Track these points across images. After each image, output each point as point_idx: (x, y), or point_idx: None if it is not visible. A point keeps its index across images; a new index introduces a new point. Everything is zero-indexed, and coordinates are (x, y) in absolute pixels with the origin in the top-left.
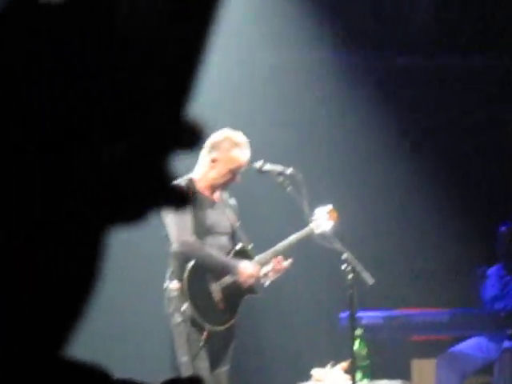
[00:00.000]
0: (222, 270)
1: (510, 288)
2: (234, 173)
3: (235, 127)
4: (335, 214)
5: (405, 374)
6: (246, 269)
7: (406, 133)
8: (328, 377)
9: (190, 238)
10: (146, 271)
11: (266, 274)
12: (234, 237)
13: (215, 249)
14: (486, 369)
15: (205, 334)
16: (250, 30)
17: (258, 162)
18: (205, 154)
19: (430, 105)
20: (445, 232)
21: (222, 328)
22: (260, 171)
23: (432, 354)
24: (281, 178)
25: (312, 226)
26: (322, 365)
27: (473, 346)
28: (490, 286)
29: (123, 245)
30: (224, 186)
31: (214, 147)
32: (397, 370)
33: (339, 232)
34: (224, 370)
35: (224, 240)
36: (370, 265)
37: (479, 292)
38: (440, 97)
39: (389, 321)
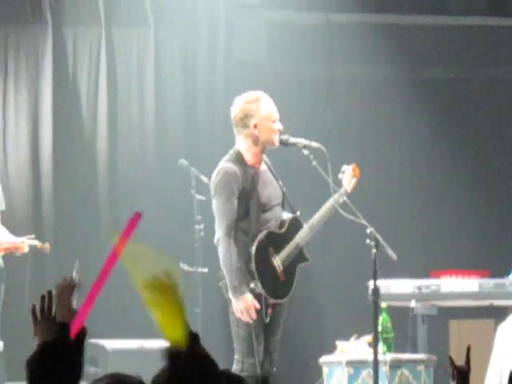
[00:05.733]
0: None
1: None
2: (274, 126)
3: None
4: (358, 171)
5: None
6: (242, 302)
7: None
8: (352, 349)
9: (229, 236)
10: None
11: None
12: (283, 204)
13: (273, 221)
14: None
15: (270, 310)
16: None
17: (283, 134)
18: (241, 129)
19: None
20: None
21: (283, 301)
22: (286, 143)
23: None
24: (306, 151)
25: (341, 191)
26: (347, 337)
27: None
28: None
29: None
30: (268, 145)
31: (246, 116)
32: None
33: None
34: (275, 339)
35: (277, 210)
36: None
37: None
38: None
39: (418, 289)
